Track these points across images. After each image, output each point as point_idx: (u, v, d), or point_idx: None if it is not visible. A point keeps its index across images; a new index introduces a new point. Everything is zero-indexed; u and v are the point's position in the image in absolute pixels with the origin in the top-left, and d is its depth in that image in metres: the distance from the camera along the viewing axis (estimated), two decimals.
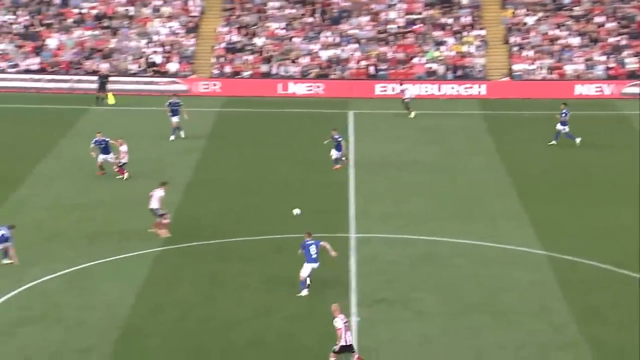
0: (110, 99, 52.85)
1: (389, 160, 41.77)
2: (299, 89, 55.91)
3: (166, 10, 61.42)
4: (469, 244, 31.29)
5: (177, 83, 55.99)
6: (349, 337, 22.90)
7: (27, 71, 57.00)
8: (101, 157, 39.20)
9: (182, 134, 45.16)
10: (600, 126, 48.15)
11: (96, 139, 39.41)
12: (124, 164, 38.84)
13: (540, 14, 59.99)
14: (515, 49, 58.24)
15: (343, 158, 40.13)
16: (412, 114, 49.38)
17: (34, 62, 57.76)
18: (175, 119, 45.09)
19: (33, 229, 32.80)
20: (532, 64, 57.16)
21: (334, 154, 39.94)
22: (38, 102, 53.41)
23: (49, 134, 45.58)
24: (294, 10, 61.49)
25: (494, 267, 29.48)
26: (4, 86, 55.97)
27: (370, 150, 41.35)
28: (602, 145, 44.09)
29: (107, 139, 39.37)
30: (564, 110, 44.13)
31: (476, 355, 23.81)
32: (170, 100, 45.67)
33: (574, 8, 60.25)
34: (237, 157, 42.52)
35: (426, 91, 55.47)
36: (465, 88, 55.77)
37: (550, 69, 56.88)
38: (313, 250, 27.31)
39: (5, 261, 29.61)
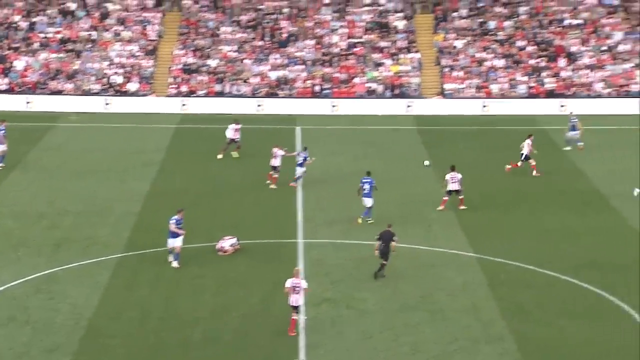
0: None
1: (333, 171, 41.83)
2: (250, 106, 55.80)
3: (126, 34, 60.94)
4: (407, 248, 31.43)
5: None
6: (294, 299, 23.94)
7: None
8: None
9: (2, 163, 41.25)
10: (524, 140, 48.66)
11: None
12: None
13: (469, 38, 60.63)
14: (446, 70, 58.77)
15: (298, 176, 38.74)
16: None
17: (2, 83, 56.87)
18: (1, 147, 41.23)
19: (2, 238, 32.24)
20: (462, 83, 57.71)
21: (298, 171, 38.64)
22: (9, 119, 52.59)
23: (16, 148, 44.86)
24: (244, 34, 61.40)
25: (430, 268, 29.64)
26: None
27: (316, 162, 41.34)
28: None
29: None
30: (573, 118, 45.13)
31: (412, 349, 23.89)
32: None
33: (498, 33, 60.98)
34: (193, 169, 42.29)
35: (367, 108, 55.81)
36: (402, 105, 56.14)
37: (478, 88, 57.50)
38: None
39: None
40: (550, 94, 56.41)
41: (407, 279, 28.60)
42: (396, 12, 63.07)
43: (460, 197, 35.64)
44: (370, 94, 57.46)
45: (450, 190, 35.62)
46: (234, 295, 27.24)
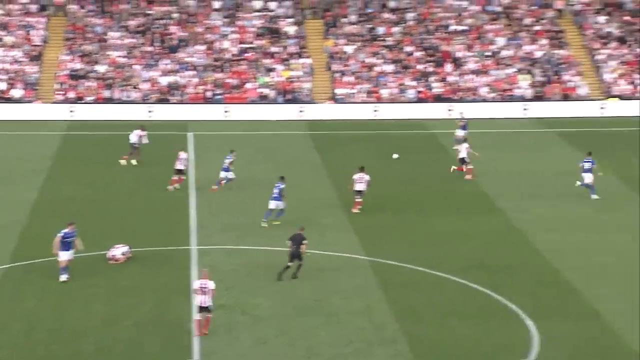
0: None
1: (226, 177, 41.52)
2: (140, 112, 54.97)
3: (9, 39, 59.19)
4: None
5: None
6: (201, 300, 24.14)
7: None
8: None
9: None
10: (414, 144, 49.54)
11: None
12: None
13: (358, 44, 61.34)
14: (337, 75, 59.27)
15: (223, 181, 38.49)
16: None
17: None
18: None
19: None
20: (353, 88, 58.32)
21: (222, 174, 38.49)
22: None
23: None
24: (133, 40, 60.49)
25: (324, 273, 29.77)
26: None
27: (209, 168, 41.06)
28: (417, 161, 45.36)
29: None
30: (463, 119, 46.66)
31: (308, 352, 23.95)
32: None
33: (387, 38, 61.90)
34: (83, 176, 41.35)
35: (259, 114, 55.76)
36: (294, 110, 56.32)
37: (369, 93, 58.21)
38: None
39: None
40: (438, 99, 57.58)
41: (302, 284, 28.66)
42: (286, 17, 63.28)
43: (359, 199, 35.91)
44: (263, 99, 57.45)
45: (357, 191, 35.94)
46: (126, 304, 26.75)
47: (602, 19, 62.46)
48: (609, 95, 57.48)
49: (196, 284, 24.80)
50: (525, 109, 56.36)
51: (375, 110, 56.55)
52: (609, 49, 60.24)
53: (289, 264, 28.81)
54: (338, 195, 38.72)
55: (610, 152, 45.89)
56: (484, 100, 57.36)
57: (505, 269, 30.01)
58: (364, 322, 25.80)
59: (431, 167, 42.33)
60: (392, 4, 64.42)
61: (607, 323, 25.50)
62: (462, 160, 41.53)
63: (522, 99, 57.39)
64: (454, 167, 41.71)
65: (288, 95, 57.75)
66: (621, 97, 57.08)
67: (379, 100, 57.72)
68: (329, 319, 25.94)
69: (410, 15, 63.55)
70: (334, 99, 58.07)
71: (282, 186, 34.36)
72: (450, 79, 58.77)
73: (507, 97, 57.59)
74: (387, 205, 37.33)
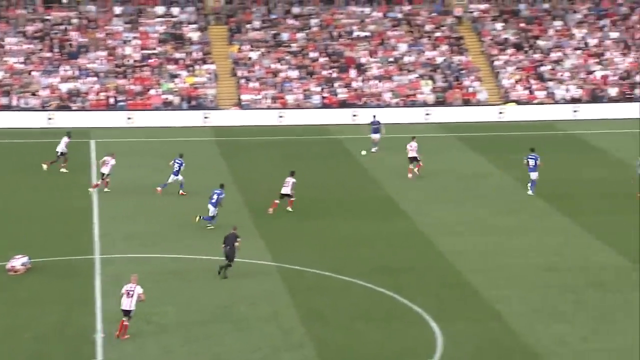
0: None
1: (131, 184, 40.99)
2: (40, 120, 53.73)
3: None
4: (207, 259, 31.29)
5: None
6: (125, 303, 24.42)
7: None
8: None
9: None
10: (319, 150, 49.83)
11: None
12: None
13: (263, 50, 61.35)
14: (242, 81, 59.15)
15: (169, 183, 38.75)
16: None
17: None
18: None
19: None
20: (258, 94, 58.28)
21: (172, 178, 38.68)
22: None
23: None
24: (31, 46, 59.12)
25: (231, 279, 29.65)
26: None
27: (113, 176, 40.35)
28: (322, 166, 45.62)
29: None
30: (375, 122, 47.35)
31: None
32: None
33: (292, 44, 62.09)
34: None
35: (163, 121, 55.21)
36: (199, 117, 55.97)
37: (274, 99, 58.27)
38: None
39: None
40: (343, 104, 58.02)
41: (208, 291, 28.48)
42: (190, 23, 62.84)
43: (290, 199, 36.59)
44: (167, 105, 56.87)
45: (282, 194, 36.40)
46: (27, 316, 26.08)
47: (499, 25, 64.03)
48: (507, 100, 58.95)
49: (125, 287, 24.97)
50: (427, 114, 57.32)
51: (280, 116, 56.65)
52: (506, 55, 61.79)
53: (228, 264, 29.42)
54: (244, 201, 38.63)
55: (509, 155, 47.02)
56: (388, 106, 58.08)
57: (409, 271, 30.44)
58: (271, 327, 25.79)
59: (336, 172, 42.67)
60: (295, 10, 64.68)
61: (508, 324, 26.12)
62: (414, 159, 42.55)
63: (425, 104, 58.36)
64: (412, 168, 42.64)
65: (193, 101, 57.32)
66: (518, 102, 58.62)
67: (285, 106, 57.83)
68: (236, 326, 25.84)
69: (314, 21, 63.90)
70: (240, 105, 57.91)
71: (220, 193, 34.65)
72: (354, 84, 59.33)
73: (409, 102, 58.47)
74: (294, 210, 37.41)
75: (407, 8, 65.29)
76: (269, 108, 57.50)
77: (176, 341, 24.81)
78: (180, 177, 39.13)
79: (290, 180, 36.70)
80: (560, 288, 28.69)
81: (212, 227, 34.16)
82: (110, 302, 27.26)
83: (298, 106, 57.83)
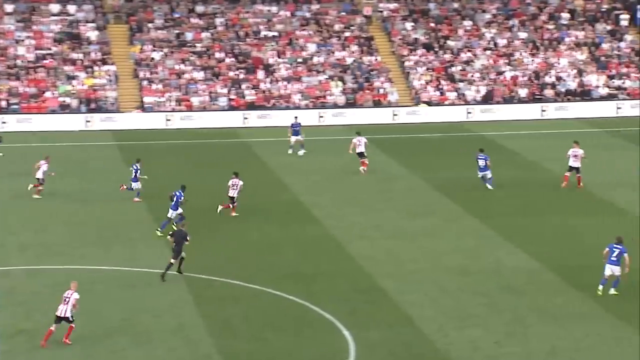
0: None
1: (24, 193, 39.98)
2: None
3: None
4: (109, 270, 30.74)
5: None
6: (61, 309, 24.76)
7: None
8: None
9: None
10: (227, 153, 49.56)
11: None
12: None
13: (166, 50, 60.72)
14: (145, 82, 58.41)
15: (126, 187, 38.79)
16: None
17: None
18: None
19: None
20: (162, 96, 57.64)
21: (134, 185, 38.71)
22: None
23: None
24: None
25: (134, 290, 29.18)
26: None
27: (3, 184, 39.37)
28: (230, 170, 45.23)
29: None
30: (295, 124, 47.54)
31: None
32: None
33: (196, 45, 61.64)
34: None
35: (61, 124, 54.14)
36: (99, 120, 55.06)
37: (179, 101, 57.71)
38: None
39: None
40: (251, 106, 57.86)
41: (110, 303, 27.96)
42: (87, 22, 61.78)
43: (234, 204, 36.74)
44: (64, 108, 55.75)
45: (230, 197, 36.75)
46: None
47: (409, 25, 64.83)
48: (418, 101, 59.71)
49: (65, 293, 25.34)
50: (338, 116, 57.61)
51: (181, 119, 56.15)
52: (416, 55, 62.59)
53: (172, 261, 29.62)
54: (148, 208, 38.11)
55: (419, 157, 47.64)
56: (298, 108, 58.18)
57: (320, 277, 30.48)
58: (176, 340, 25.46)
59: (244, 176, 42.40)
60: (199, 9, 64.23)
61: (420, 329, 26.38)
62: (361, 154, 43.72)
63: (335, 105, 58.64)
64: (362, 168, 43.73)
65: (92, 104, 56.32)
66: (429, 104, 59.45)
67: (190, 108, 57.33)
68: (138, 339, 25.42)
69: (219, 21, 63.58)
70: (142, 107, 57.17)
71: (179, 196, 34.80)
72: (262, 86, 59.23)
73: (319, 104, 58.66)
74: (200, 216, 37.10)
75: (315, 7, 65.53)
76: (173, 110, 56.93)
77: (75, 356, 24.27)
78: (137, 184, 38.86)
79: (239, 182, 37.06)
80: (473, 292, 29.12)
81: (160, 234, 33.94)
82: (4, 316, 26.51)
83: (204, 109, 57.43)
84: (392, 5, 66.11)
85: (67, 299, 25.03)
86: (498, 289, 29.30)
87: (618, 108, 58.97)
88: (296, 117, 49.80)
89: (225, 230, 35.56)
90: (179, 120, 56.05)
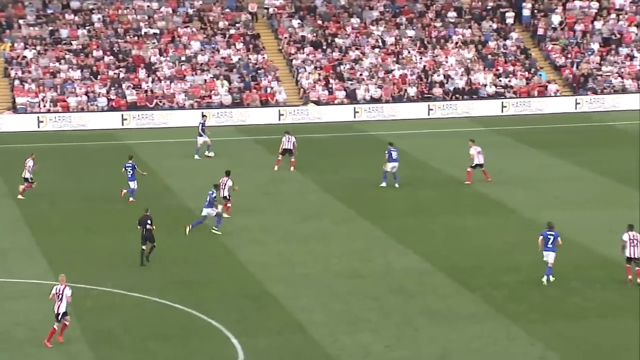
0: None
1: None
2: None
3: None
4: None
5: None
6: (57, 306, 25.21)
7: None
8: None
9: None
10: (105, 157, 48.79)
11: None
12: None
13: (39, 48, 59.44)
14: (17, 82, 57.03)
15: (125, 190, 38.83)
16: None
17: None
18: None
19: None
20: (36, 96, 56.40)
21: (131, 184, 38.61)
22: None
23: None
24: None
25: (6, 302, 28.50)
26: None
27: None
28: (111, 174, 44.65)
29: None
30: (203, 123, 47.26)
31: None
32: None
33: (72, 42, 60.54)
34: None
35: None
36: None
37: (54, 102, 56.56)
38: None
39: None
40: (133, 107, 57.17)
41: None
42: None
43: (228, 205, 37.01)
44: None
45: (222, 197, 37.00)
46: None
47: (295, 22, 65.16)
48: (306, 100, 60.12)
49: (54, 289, 25.66)
50: (224, 116, 57.50)
51: (54, 121, 55.13)
52: (304, 53, 62.97)
53: (143, 247, 31.08)
54: (22, 215, 37.26)
55: (308, 158, 47.95)
56: (182, 108, 57.77)
57: (208, 284, 30.39)
58: (54, 354, 25.01)
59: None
60: (75, 4, 63.09)
61: (311, 335, 26.60)
62: (289, 152, 44.53)
63: (221, 105, 58.49)
64: (292, 168, 44.38)
65: None
66: (318, 103, 59.92)
67: (66, 109, 56.26)
68: (12, 355, 24.86)
69: (96, 17, 62.59)
70: (14, 109, 55.81)
71: (214, 194, 35.39)
72: (144, 85, 58.58)
73: (205, 104, 58.40)
74: (75, 223, 36.47)
75: (198, 3, 65.21)
76: (48, 112, 55.79)
77: None
78: (134, 183, 39.00)
79: (228, 182, 37.28)
80: (363, 295, 29.51)
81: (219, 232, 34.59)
82: None
83: (81, 109, 56.45)
84: (278, 2, 66.34)
85: (60, 295, 25.36)
86: (389, 292, 29.78)
87: (504, 107, 60.69)
88: (204, 116, 49.80)
89: (105, 238, 35.05)
90: (54, 122, 54.96)
